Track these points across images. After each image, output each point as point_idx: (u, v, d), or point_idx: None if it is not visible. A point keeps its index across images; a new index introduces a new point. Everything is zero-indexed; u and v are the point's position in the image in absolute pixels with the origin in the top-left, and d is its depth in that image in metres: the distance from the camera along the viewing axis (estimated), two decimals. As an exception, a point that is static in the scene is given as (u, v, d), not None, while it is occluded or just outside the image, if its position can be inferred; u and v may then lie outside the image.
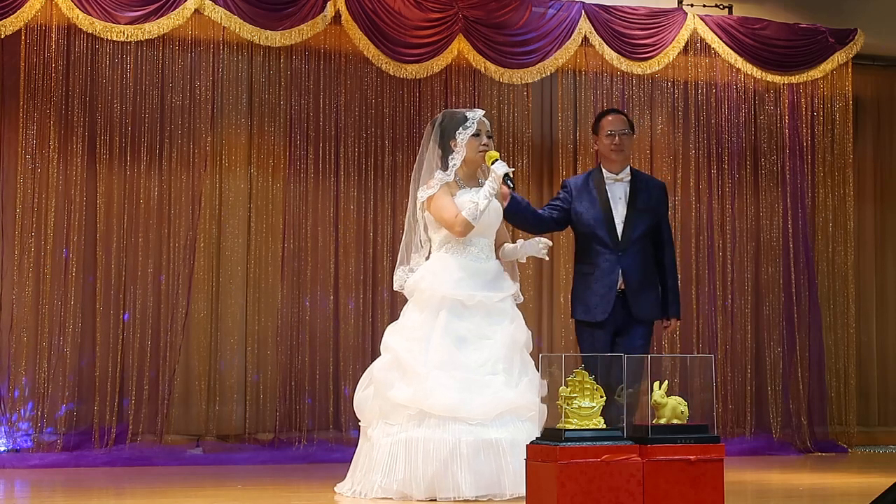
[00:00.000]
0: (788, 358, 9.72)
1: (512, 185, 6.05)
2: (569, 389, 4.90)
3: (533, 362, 5.94)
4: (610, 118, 6.75)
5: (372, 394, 5.97)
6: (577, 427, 4.87)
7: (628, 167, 6.72)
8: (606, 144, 6.66)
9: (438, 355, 5.81)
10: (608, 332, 6.50)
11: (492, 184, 5.95)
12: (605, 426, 4.92)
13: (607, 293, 6.47)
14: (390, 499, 5.72)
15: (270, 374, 8.70)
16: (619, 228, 6.54)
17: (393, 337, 6.04)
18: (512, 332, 5.93)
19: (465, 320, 5.90)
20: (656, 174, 9.45)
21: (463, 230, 5.95)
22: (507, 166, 5.99)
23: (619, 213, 6.56)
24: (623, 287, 6.49)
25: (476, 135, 6.09)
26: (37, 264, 8.24)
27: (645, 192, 6.66)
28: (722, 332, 9.62)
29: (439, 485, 5.63)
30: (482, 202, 5.92)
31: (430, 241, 6.18)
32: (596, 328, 6.50)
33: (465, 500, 5.62)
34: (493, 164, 5.98)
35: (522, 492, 5.53)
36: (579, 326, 6.61)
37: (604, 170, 6.69)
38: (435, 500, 5.64)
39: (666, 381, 5.09)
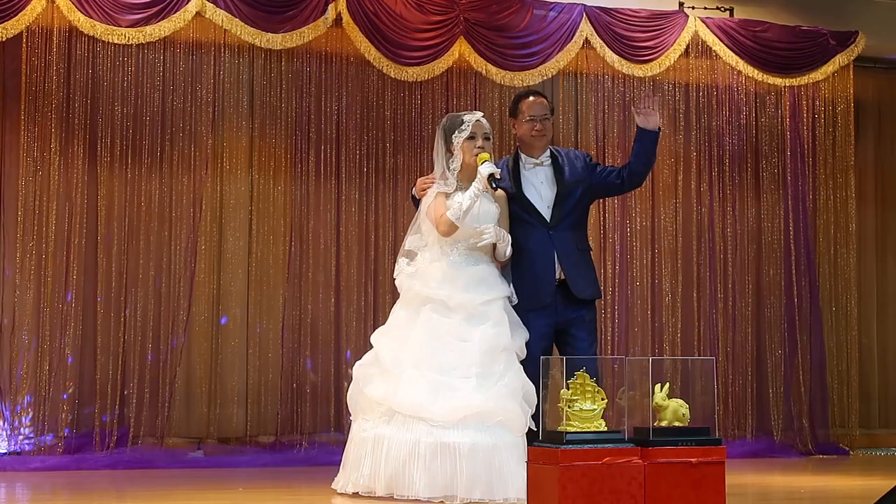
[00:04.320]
0: (790, 360, 9.71)
1: (496, 187, 6.01)
2: (570, 392, 4.91)
3: (519, 367, 5.94)
4: (530, 101, 6.40)
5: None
6: (578, 430, 4.88)
7: (548, 150, 6.44)
8: (527, 130, 6.36)
9: (414, 354, 5.86)
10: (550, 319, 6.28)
11: (477, 185, 5.96)
12: (606, 429, 4.93)
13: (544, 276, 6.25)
14: (357, 493, 5.82)
15: (272, 376, 8.69)
16: (548, 213, 6.29)
17: (378, 335, 6.14)
18: (492, 336, 5.90)
19: (445, 321, 5.92)
20: (657, 176, 9.50)
21: (447, 230, 5.98)
22: (494, 167, 5.97)
23: (545, 199, 6.32)
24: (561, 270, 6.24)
25: (471, 137, 6.08)
26: (38, 267, 8.23)
27: (568, 167, 6.38)
28: (723, 334, 9.62)
29: (397, 483, 5.70)
30: (466, 202, 5.94)
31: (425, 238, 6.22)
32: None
33: (418, 500, 5.67)
34: (480, 165, 5.98)
35: (476, 496, 5.63)
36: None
37: (523, 156, 6.40)
38: (393, 496, 5.71)
39: (667, 384, 5.10)
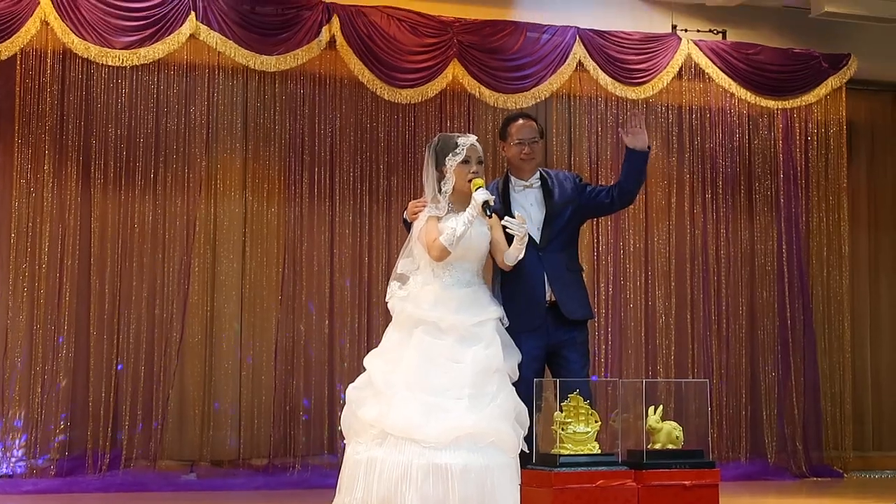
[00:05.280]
0: (783, 382, 9.70)
1: (490, 215, 5.96)
2: (563, 414, 4.89)
3: (512, 389, 5.89)
4: (519, 124, 6.34)
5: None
6: (571, 452, 4.86)
7: (538, 172, 6.38)
8: (516, 153, 6.31)
9: (407, 376, 5.80)
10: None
11: (471, 211, 5.90)
12: (599, 451, 4.91)
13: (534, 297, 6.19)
14: None
15: (265, 398, 8.65)
16: (537, 235, 6.22)
17: (370, 357, 6.06)
18: (484, 358, 5.83)
19: (438, 343, 5.86)
20: (650, 198, 9.52)
21: (439, 255, 5.93)
22: (488, 194, 5.90)
23: (535, 220, 6.25)
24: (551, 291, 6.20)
25: (465, 161, 6.04)
26: (31, 289, 8.23)
27: (557, 188, 6.33)
28: (717, 356, 9.60)
29: None
30: (459, 229, 5.89)
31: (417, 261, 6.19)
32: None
33: None
34: (475, 191, 5.95)
35: None
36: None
37: (512, 178, 6.36)
38: None
39: (661, 406, 5.09)
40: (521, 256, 6.00)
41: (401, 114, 9.06)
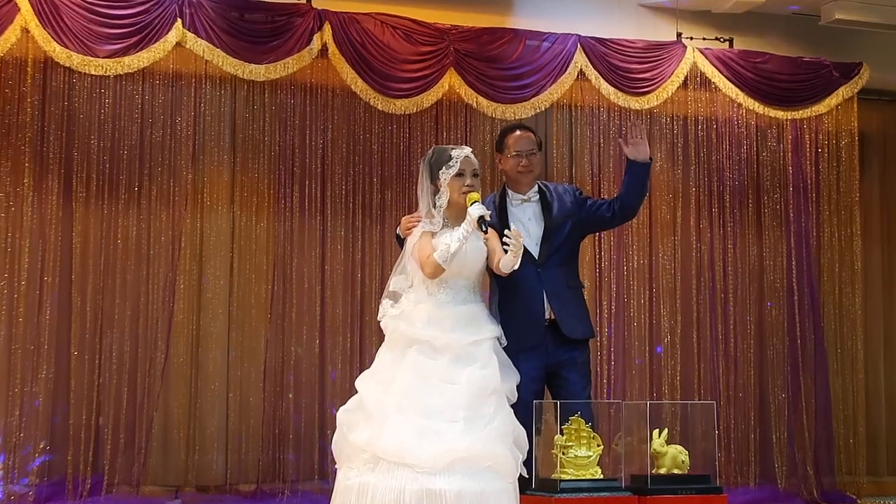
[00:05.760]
0: (794, 404, 9.56)
1: (486, 230, 5.85)
2: (564, 438, 4.89)
3: (510, 411, 5.76)
4: (517, 135, 6.33)
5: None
6: (573, 477, 4.89)
7: (536, 185, 6.34)
8: (513, 166, 6.29)
9: (399, 398, 5.70)
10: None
11: (466, 227, 5.82)
12: (602, 476, 4.92)
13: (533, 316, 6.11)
14: None
15: (253, 421, 8.53)
16: (535, 250, 6.18)
17: (363, 378, 5.96)
18: (480, 378, 5.71)
19: (432, 363, 5.76)
20: (655, 212, 9.43)
21: (432, 272, 5.83)
22: (484, 209, 5.81)
23: (533, 235, 6.20)
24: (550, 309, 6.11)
25: (460, 174, 5.92)
26: (9, 307, 8.09)
27: (556, 202, 6.30)
28: (724, 376, 9.45)
29: None
30: (454, 245, 5.79)
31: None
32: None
33: None
34: (470, 206, 5.82)
35: None
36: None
37: (510, 191, 6.34)
38: None
39: (666, 429, 5.10)
40: (516, 267, 5.85)
41: (395, 125, 8.93)
